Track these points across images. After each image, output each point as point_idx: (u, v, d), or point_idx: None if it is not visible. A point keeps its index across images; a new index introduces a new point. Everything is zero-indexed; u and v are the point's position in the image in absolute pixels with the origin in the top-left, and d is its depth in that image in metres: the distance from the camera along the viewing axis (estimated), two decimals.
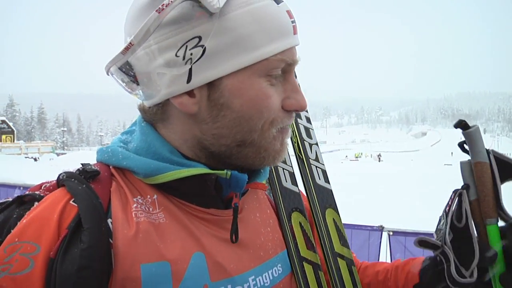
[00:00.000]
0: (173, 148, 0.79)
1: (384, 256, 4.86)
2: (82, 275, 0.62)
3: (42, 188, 0.77)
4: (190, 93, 0.74)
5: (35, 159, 46.24)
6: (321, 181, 1.03)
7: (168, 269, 0.70)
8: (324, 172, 1.05)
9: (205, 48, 0.70)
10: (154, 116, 0.80)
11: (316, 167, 1.04)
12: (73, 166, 0.76)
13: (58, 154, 60.87)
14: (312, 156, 1.06)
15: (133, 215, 0.72)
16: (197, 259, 0.74)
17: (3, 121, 73.54)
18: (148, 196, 0.76)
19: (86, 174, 0.74)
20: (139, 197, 0.76)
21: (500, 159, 0.85)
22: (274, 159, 0.80)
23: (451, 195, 0.87)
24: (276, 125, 0.77)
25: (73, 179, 0.73)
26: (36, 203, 0.71)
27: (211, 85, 0.73)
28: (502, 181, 0.85)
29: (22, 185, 6.71)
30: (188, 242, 0.75)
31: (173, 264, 0.71)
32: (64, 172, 0.75)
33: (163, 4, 0.66)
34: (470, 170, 0.87)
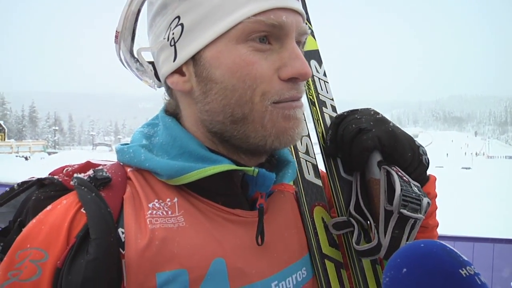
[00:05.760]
0: (199, 141, 0.77)
1: None
2: (87, 286, 0.61)
3: (64, 171, 0.76)
4: (180, 72, 0.75)
5: (26, 158, 45.82)
6: (345, 174, 0.96)
7: (186, 277, 0.67)
8: None
9: (183, 25, 0.72)
10: (175, 107, 0.82)
11: (341, 158, 0.97)
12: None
13: (49, 153, 60.41)
14: None
15: (148, 222, 0.69)
16: (216, 265, 0.70)
17: None
18: (168, 199, 0.73)
19: (96, 182, 0.71)
20: (155, 201, 0.72)
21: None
22: (278, 138, 0.72)
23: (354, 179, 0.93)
24: (270, 97, 0.70)
25: (83, 187, 0.70)
26: (52, 193, 0.72)
27: (195, 60, 0.73)
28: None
29: (13, 184, 6.53)
30: (209, 247, 0.71)
31: (190, 271, 0.68)
32: (76, 178, 0.72)
33: None
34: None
